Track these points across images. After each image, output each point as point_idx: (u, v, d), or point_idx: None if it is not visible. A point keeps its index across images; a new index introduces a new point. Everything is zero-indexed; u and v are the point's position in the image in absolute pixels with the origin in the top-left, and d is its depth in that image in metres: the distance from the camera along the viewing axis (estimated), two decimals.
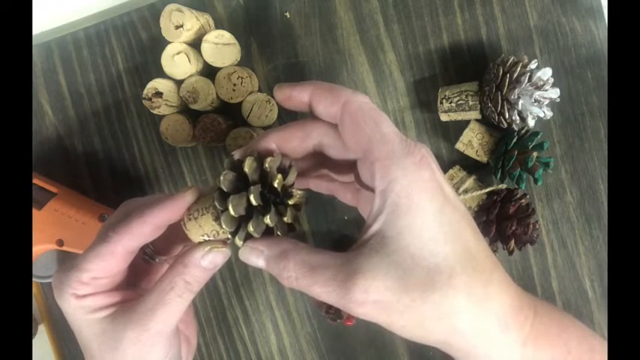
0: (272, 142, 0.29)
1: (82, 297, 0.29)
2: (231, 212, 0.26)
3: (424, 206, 0.25)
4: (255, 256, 0.28)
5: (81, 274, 0.29)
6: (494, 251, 0.43)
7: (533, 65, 0.40)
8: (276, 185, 0.27)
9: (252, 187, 0.26)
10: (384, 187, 0.25)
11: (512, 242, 0.42)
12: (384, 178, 0.25)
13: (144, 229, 0.29)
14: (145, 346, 0.29)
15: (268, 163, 0.27)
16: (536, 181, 0.41)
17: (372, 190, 0.26)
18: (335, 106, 0.27)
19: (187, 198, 0.29)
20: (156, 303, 0.29)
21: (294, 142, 0.29)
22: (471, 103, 0.42)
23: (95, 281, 0.29)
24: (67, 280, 0.29)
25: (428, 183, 0.25)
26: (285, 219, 0.28)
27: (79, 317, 0.29)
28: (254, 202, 0.26)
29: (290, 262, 0.26)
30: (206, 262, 0.29)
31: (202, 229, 0.28)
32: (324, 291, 0.25)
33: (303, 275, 0.26)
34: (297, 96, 0.29)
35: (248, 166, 0.26)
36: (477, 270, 0.25)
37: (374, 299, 0.24)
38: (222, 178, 0.26)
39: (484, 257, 0.26)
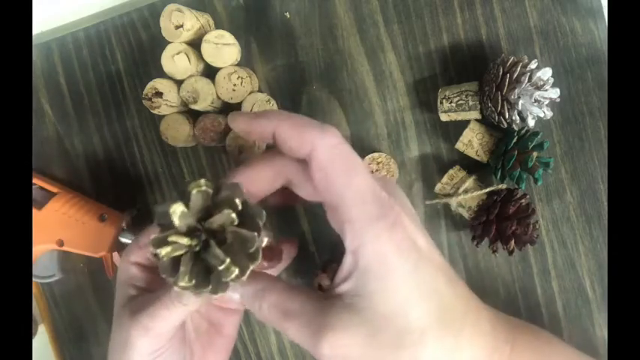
0: (238, 181, 0.28)
1: (130, 263, 0.32)
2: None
3: (397, 269, 0.24)
4: (230, 290, 0.26)
5: (140, 239, 0.33)
6: (494, 251, 0.43)
7: (533, 65, 0.40)
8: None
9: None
10: (354, 248, 0.25)
11: (512, 242, 0.42)
12: (354, 240, 0.25)
13: None
14: (130, 335, 0.29)
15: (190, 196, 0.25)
16: (536, 181, 0.41)
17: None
18: (302, 150, 0.25)
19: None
20: (153, 298, 0.29)
21: (263, 183, 0.28)
22: (470, 103, 0.42)
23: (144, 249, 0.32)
24: (131, 245, 0.33)
25: (401, 244, 0.24)
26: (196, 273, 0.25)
27: (120, 280, 0.32)
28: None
29: (264, 303, 0.26)
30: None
31: None
32: (296, 336, 0.25)
33: (277, 319, 0.26)
34: (259, 130, 0.27)
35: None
36: (449, 322, 0.25)
37: (341, 354, 0.24)
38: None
39: (457, 305, 0.26)
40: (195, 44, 0.44)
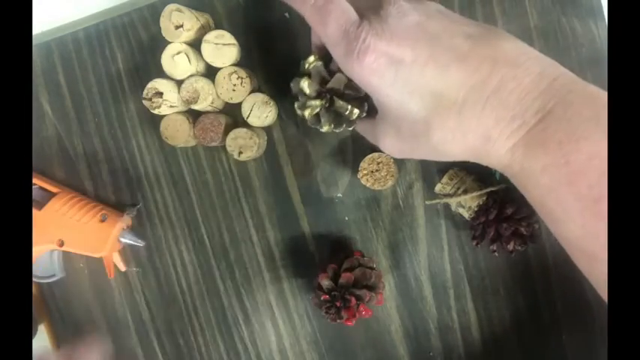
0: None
1: None
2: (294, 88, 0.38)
3: (379, 85, 0.30)
4: (354, 125, 0.37)
5: None
6: (494, 251, 0.43)
7: None
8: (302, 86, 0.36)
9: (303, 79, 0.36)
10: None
11: (512, 242, 0.42)
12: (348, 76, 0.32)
13: None
14: None
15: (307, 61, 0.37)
16: None
17: None
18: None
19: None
20: None
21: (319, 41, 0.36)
22: None
23: None
24: None
25: (373, 65, 0.29)
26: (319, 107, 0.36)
27: None
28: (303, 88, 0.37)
29: (359, 129, 0.40)
30: None
31: None
32: (371, 141, 0.38)
33: (365, 136, 0.40)
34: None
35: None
36: (447, 105, 0.29)
37: (391, 151, 0.35)
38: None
39: (451, 89, 0.29)
40: (195, 44, 0.44)
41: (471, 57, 0.29)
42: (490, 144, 0.29)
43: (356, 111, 0.36)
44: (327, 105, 0.36)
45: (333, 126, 0.37)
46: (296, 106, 0.37)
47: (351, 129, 0.37)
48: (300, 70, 0.37)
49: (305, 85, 0.36)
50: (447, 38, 0.30)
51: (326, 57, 0.36)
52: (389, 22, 0.30)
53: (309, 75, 0.36)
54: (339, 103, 0.36)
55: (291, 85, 0.37)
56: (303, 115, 0.37)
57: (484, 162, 0.31)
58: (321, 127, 0.37)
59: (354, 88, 0.36)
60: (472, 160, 0.31)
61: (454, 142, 0.30)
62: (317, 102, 0.36)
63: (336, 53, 0.31)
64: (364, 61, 0.29)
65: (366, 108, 0.36)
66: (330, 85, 0.36)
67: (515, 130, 0.28)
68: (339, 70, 0.35)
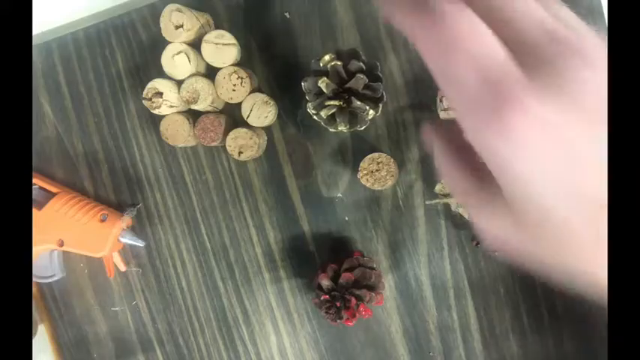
0: None
1: None
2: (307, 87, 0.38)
3: (523, 172, 0.19)
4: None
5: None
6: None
7: None
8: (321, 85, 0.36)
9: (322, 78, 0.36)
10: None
11: None
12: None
13: None
14: None
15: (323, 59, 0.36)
16: None
17: None
18: None
19: None
20: None
21: None
22: None
23: None
24: None
25: (526, 141, 0.18)
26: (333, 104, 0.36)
27: None
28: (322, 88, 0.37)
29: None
30: None
31: None
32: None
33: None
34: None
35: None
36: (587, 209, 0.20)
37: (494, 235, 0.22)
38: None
39: (593, 193, 0.20)
40: (195, 44, 0.44)
41: None
42: None
43: (372, 112, 0.35)
44: (345, 105, 0.36)
45: (348, 126, 0.36)
46: (310, 105, 0.37)
47: (362, 129, 0.37)
48: (312, 68, 0.36)
49: (323, 85, 0.35)
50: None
51: (343, 58, 0.36)
52: (565, 81, 0.19)
53: (326, 74, 0.35)
54: (357, 103, 0.35)
55: (303, 84, 0.37)
56: (319, 115, 0.36)
57: None
58: (337, 127, 0.36)
59: (372, 89, 0.35)
60: None
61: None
62: (336, 102, 0.36)
63: (466, 109, 0.19)
64: (513, 129, 0.18)
65: (380, 109, 0.36)
66: (348, 85, 0.35)
67: None
68: (358, 72, 0.34)
